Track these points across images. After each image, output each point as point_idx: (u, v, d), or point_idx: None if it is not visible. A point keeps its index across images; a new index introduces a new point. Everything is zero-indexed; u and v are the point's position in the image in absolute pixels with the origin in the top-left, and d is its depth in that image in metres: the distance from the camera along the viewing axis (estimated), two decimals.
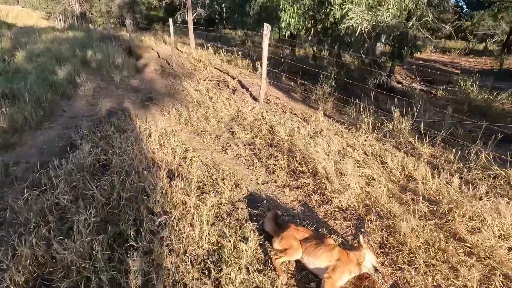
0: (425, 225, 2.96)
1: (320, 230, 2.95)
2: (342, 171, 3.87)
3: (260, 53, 7.34)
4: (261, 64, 7.04)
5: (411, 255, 2.66)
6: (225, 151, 4.87)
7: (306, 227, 2.88)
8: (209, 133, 5.53)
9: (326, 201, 3.50)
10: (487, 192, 3.60)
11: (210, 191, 3.63)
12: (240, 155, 4.74)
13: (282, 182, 3.96)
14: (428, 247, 2.72)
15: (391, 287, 2.41)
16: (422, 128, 4.96)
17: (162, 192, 3.34)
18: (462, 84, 8.99)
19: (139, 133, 5.04)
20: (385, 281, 2.43)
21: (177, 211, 3.05)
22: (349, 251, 2.53)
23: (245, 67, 10.56)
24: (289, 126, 5.33)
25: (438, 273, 2.47)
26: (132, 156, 4.06)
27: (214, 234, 2.82)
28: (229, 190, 3.69)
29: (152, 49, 13.89)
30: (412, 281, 2.44)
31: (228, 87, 8.14)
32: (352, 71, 9.08)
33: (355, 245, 2.71)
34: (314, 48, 10.28)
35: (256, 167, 4.35)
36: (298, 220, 3.22)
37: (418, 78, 10.44)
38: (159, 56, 12.56)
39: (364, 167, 4.10)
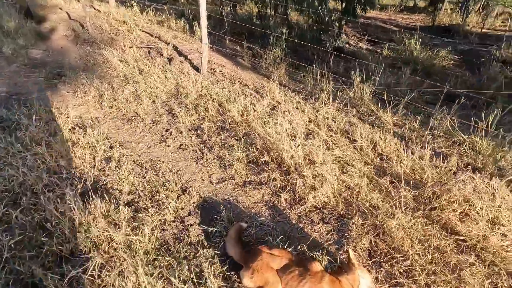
0: (414, 218, 2.55)
1: (299, 248, 2.34)
2: (311, 158, 3.25)
3: (197, 12, 6.03)
4: (199, 26, 5.80)
5: (407, 262, 2.23)
6: (165, 141, 3.85)
7: (282, 248, 2.22)
8: (142, 118, 4.38)
9: (298, 199, 2.87)
10: (457, 164, 3.37)
11: (147, 207, 2.71)
12: (185, 145, 3.79)
13: (241, 178, 3.20)
14: (423, 248, 2.32)
15: None
16: (385, 96, 4.56)
17: (73, 225, 2.31)
18: (406, 42, 8.93)
19: (40, 129, 3.67)
20: None
21: (99, 254, 2.11)
22: (340, 277, 1.96)
23: (180, 30, 8.96)
24: (241, 102, 4.46)
25: (440, 284, 2.08)
26: (24, 169, 2.82)
27: (156, 285, 1.98)
28: (175, 200, 2.82)
29: (61, 9, 11.01)
30: None
31: (162, 55, 6.72)
32: (304, 31, 8.30)
33: (345, 262, 2.17)
34: (258, 4, 9.11)
35: (207, 160, 3.48)
36: (269, 232, 2.56)
37: (366, 37, 10.16)
38: (70, 18, 9.97)
39: (333, 148, 3.55)
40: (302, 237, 2.51)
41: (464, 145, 3.79)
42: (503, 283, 2.06)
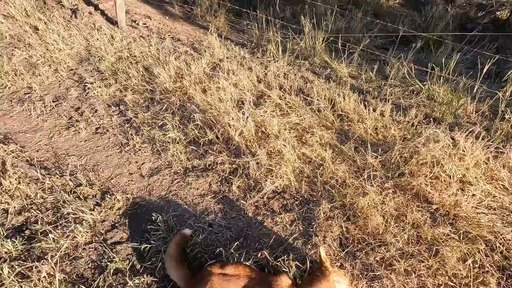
0: (384, 191, 2.24)
1: (260, 255, 1.88)
2: (265, 129, 2.69)
3: None
4: None
5: (383, 248, 1.93)
6: (75, 126, 2.93)
7: (237, 263, 1.73)
8: (40, 96, 3.29)
9: (254, 185, 2.36)
10: (416, 116, 3.12)
11: (48, 230, 1.95)
12: (104, 128, 2.93)
13: (181, 165, 2.55)
14: (398, 227, 2.03)
15: None
16: (339, 44, 4.03)
17: None
18: None
19: None
20: None
21: None
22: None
23: None
24: (173, 64, 3.56)
25: (421, 267, 1.83)
26: None
27: None
28: (91, 212, 2.10)
29: None
30: None
31: (63, 5, 5.15)
32: None
33: (317, 264, 1.79)
34: None
35: (134, 146, 2.72)
36: (221, 234, 2.04)
37: None
38: None
39: (288, 113, 3.01)
40: (262, 235, 2.05)
41: (421, 94, 3.55)
42: (481, 255, 1.89)
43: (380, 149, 2.65)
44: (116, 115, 3.10)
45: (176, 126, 2.80)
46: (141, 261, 1.87)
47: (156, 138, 2.75)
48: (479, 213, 2.16)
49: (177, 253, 1.80)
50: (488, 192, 2.30)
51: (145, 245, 1.92)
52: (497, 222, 2.07)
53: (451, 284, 1.77)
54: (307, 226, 2.10)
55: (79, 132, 2.85)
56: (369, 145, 2.52)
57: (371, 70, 3.79)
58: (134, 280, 1.73)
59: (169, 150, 2.63)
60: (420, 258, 1.87)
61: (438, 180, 2.34)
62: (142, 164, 2.59)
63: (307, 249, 1.95)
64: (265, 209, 2.21)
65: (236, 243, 1.92)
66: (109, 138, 2.82)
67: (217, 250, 1.89)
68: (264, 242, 2.00)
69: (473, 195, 2.26)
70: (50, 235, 1.91)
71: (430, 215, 2.14)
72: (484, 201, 2.25)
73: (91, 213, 2.08)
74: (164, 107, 3.02)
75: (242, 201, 2.26)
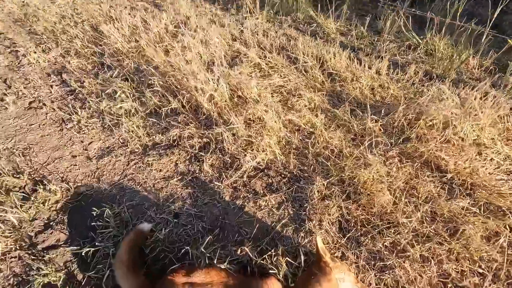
0: (388, 161, 1.85)
1: (240, 252, 1.45)
2: (241, 93, 2.19)
3: None
4: None
5: (393, 230, 1.55)
6: (1, 100, 2.31)
7: (209, 268, 1.29)
8: None
9: (230, 162, 1.90)
10: (415, 73, 2.71)
11: None
12: (40, 101, 2.33)
13: (139, 142, 2.04)
14: (409, 203, 1.66)
15: None
16: None
17: None
18: None
19: None
20: None
21: None
22: None
23: None
24: (127, 20, 2.91)
25: (440, 252, 1.48)
26: None
27: None
28: (16, 207, 1.58)
29: None
30: (410, 283, 1.40)
31: None
32: None
33: (314, 258, 1.40)
34: None
35: (79, 122, 2.16)
36: (190, 226, 1.60)
37: None
38: None
39: (270, 74, 2.51)
40: (243, 223, 1.62)
41: (418, 50, 3.11)
42: (508, 229, 1.56)
43: (379, 111, 2.24)
44: (57, 85, 2.48)
45: (131, 94, 2.24)
46: (83, 270, 1.41)
47: (106, 110, 2.20)
48: (498, 180, 1.82)
49: (130, 256, 1.35)
50: (507, 155, 1.96)
51: (89, 248, 1.45)
52: None
53: (479, 270, 1.43)
54: (298, 208, 1.69)
55: (6, 108, 2.24)
56: (368, 106, 2.09)
57: (361, 25, 3.29)
58: None
59: (122, 125, 2.10)
60: (439, 240, 1.51)
61: (449, 144, 1.97)
62: (89, 144, 2.06)
63: (299, 238, 1.55)
64: (246, 191, 1.77)
65: (209, 237, 1.49)
66: (47, 113, 2.24)
67: (183, 249, 1.45)
68: (246, 233, 1.58)
69: (491, 159, 1.92)
70: None
71: (445, 186, 1.78)
72: (502, 165, 1.91)
73: (14, 211, 1.57)
74: (116, 72, 2.43)
75: (216, 183, 1.80)
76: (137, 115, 2.16)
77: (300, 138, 2.03)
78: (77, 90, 2.42)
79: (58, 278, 1.35)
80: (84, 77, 2.50)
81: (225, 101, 2.05)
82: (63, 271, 1.39)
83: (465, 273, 1.43)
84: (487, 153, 1.94)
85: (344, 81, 2.53)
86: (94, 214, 1.62)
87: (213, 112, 2.01)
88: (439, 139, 1.96)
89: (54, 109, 2.27)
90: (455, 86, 2.58)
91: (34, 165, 1.89)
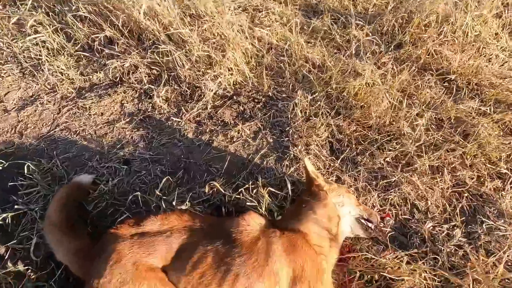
0: (380, 69, 1.52)
1: (208, 191, 1.13)
2: (196, 9, 1.72)
3: None
4: None
5: (395, 143, 1.28)
6: None
7: (169, 213, 0.96)
8: None
9: (190, 92, 1.51)
10: None
11: None
12: None
13: (71, 86, 1.60)
14: (410, 110, 1.37)
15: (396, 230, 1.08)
16: None
17: None
18: None
19: None
20: (382, 231, 1.04)
21: None
22: (303, 224, 0.91)
23: None
24: None
25: (452, 159, 1.23)
26: None
27: None
28: None
29: None
30: (420, 199, 1.16)
31: None
32: None
33: (303, 183, 1.11)
34: None
35: None
36: (145, 173, 1.26)
37: None
38: None
39: None
40: (212, 160, 1.29)
41: None
42: None
43: (364, 21, 1.87)
44: None
45: (52, 27, 1.73)
46: (4, 240, 1.06)
47: (23, 53, 1.70)
48: (504, 78, 1.56)
49: (63, 215, 1.00)
50: None
51: (8, 213, 1.08)
52: None
53: (499, 173, 1.20)
54: (279, 135, 1.37)
55: None
56: (352, 11, 1.71)
57: None
58: None
59: (44, 65, 1.62)
60: (449, 147, 1.26)
61: (448, 43, 1.67)
62: (6, 94, 1.59)
63: (283, 168, 1.25)
64: (213, 124, 1.42)
65: (166, 177, 1.15)
66: None
67: (138, 196, 1.11)
68: (216, 170, 1.26)
69: (496, 56, 1.64)
70: None
71: (447, 89, 1.50)
72: (509, 61, 1.65)
73: None
74: (29, 4, 1.87)
75: (175, 119, 1.43)
76: (63, 53, 1.68)
77: (274, 57, 1.65)
78: None
79: None
80: None
81: (172, 17, 1.59)
82: None
83: (483, 179, 1.20)
84: (490, 50, 1.65)
85: None
86: (18, 174, 1.24)
87: (159, 33, 1.56)
88: (437, 39, 1.64)
89: None
90: None
91: None
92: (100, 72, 1.63)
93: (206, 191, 1.09)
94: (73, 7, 1.74)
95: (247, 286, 0.78)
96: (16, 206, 1.11)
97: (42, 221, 1.06)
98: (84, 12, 1.69)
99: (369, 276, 0.95)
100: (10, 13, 1.86)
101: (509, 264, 1.00)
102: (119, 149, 1.36)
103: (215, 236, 0.87)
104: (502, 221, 1.10)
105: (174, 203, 1.05)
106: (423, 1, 1.68)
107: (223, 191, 1.10)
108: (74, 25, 1.70)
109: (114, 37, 1.66)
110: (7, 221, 1.09)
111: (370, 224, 1.00)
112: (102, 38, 1.65)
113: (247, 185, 1.11)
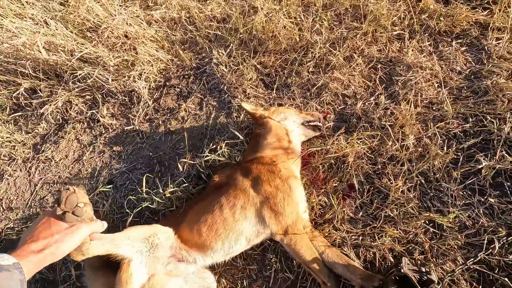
0: None
1: (182, 168, 1.30)
2: (93, 22, 1.73)
3: None
4: None
5: (310, 54, 1.44)
6: None
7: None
8: None
9: (128, 99, 1.60)
10: None
11: None
12: None
13: (25, 146, 1.67)
14: (312, 21, 1.51)
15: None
16: None
17: None
18: None
19: None
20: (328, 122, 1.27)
21: None
22: (259, 156, 1.12)
23: None
24: None
25: (358, 44, 1.41)
26: None
27: None
28: None
29: None
30: (346, 88, 1.36)
31: None
32: None
33: (252, 122, 1.30)
34: None
35: None
36: (127, 182, 1.42)
37: None
38: None
39: None
40: (177, 144, 1.46)
41: None
42: None
43: None
44: None
45: None
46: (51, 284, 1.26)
47: None
48: None
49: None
50: None
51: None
52: None
53: (396, 35, 1.40)
54: (218, 95, 1.52)
55: None
56: None
57: None
58: None
59: None
60: (352, 35, 1.43)
61: None
62: None
63: (234, 119, 1.43)
64: (162, 114, 1.55)
65: (145, 175, 1.32)
66: None
67: (131, 200, 1.30)
68: (184, 151, 1.43)
69: None
70: None
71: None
72: None
73: None
74: None
75: (128, 128, 1.56)
76: None
77: (182, 30, 1.72)
78: None
79: None
80: None
81: (74, 40, 1.61)
82: None
83: (387, 46, 1.41)
84: None
85: None
86: None
87: (70, 61, 1.60)
88: None
89: None
90: None
91: None
92: (42, 123, 1.69)
93: (181, 169, 1.27)
94: None
95: (231, 206, 0.99)
96: None
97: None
98: None
99: (327, 163, 1.19)
100: None
101: (424, 102, 1.25)
102: (98, 176, 1.50)
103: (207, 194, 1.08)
104: (411, 72, 1.33)
105: (161, 190, 1.23)
106: None
107: (193, 162, 1.29)
108: None
109: (34, 86, 1.69)
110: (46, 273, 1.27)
111: (317, 123, 1.22)
112: (23, 92, 1.67)
113: (209, 148, 1.29)
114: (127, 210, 1.27)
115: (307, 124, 1.23)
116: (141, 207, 1.22)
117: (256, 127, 1.24)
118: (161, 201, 1.23)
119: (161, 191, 1.22)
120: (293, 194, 1.02)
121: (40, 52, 1.51)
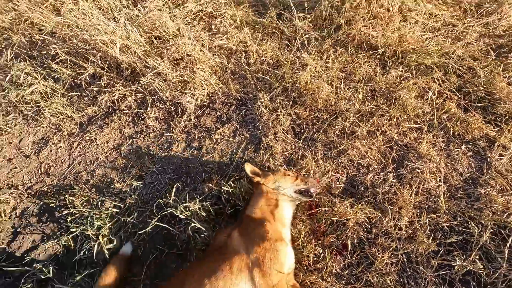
0: (324, 55, 1.85)
1: (208, 190, 1.50)
2: (160, 33, 1.96)
3: None
4: None
5: (340, 118, 1.65)
6: None
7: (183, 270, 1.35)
8: None
9: (173, 108, 1.82)
10: None
11: None
12: None
13: (72, 122, 1.88)
14: (349, 88, 1.73)
15: (346, 182, 1.50)
16: None
17: None
18: None
19: None
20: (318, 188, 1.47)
21: None
22: (251, 216, 1.29)
23: None
24: None
25: (383, 122, 1.63)
26: None
27: None
28: None
29: None
30: (362, 158, 1.57)
31: None
32: None
33: (271, 169, 1.48)
34: None
35: None
36: (156, 182, 1.62)
37: None
38: None
39: (184, 1, 2.23)
40: (206, 162, 1.66)
41: None
42: (438, 83, 1.71)
43: (306, 7, 2.13)
44: None
45: (37, 73, 1.96)
46: (72, 256, 1.45)
47: (18, 100, 1.94)
48: (426, 40, 1.91)
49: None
50: (430, 13, 2.02)
51: (66, 237, 1.46)
52: (444, 43, 1.86)
53: (416, 126, 1.62)
54: (252, 129, 1.73)
55: None
56: (292, 5, 1.98)
57: None
58: (70, 281, 1.34)
59: (44, 110, 1.89)
60: (380, 113, 1.65)
61: (377, 19, 1.97)
62: (20, 141, 1.88)
63: (260, 156, 1.63)
64: (199, 131, 1.76)
65: (176, 184, 1.53)
66: None
67: (157, 202, 1.50)
68: (211, 169, 1.63)
69: (416, 22, 1.97)
70: None
71: (379, 62, 1.85)
72: (427, 23, 1.98)
73: None
74: (9, 54, 2.06)
75: (168, 134, 1.77)
76: (56, 95, 1.94)
77: (235, 61, 1.94)
78: None
79: (49, 272, 1.38)
80: None
81: (144, 46, 1.85)
82: (51, 264, 1.42)
83: (406, 133, 1.61)
84: (412, 17, 1.98)
85: None
86: (59, 206, 1.59)
87: (136, 64, 1.83)
88: (367, 17, 1.95)
89: None
90: None
91: None
92: (93, 106, 1.91)
93: (206, 191, 1.47)
94: (51, 52, 1.96)
95: (229, 269, 1.10)
96: (71, 229, 1.48)
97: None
98: (62, 55, 1.92)
99: (330, 220, 1.39)
100: None
101: (424, 190, 1.45)
102: (130, 168, 1.70)
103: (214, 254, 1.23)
104: (420, 161, 1.53)
105: (188, 200, 1.43)
106: None
107: (214, 187, 1.48)
108: (58, 69, 1.93)
109: (97, 73, 1.91)
110: (68, 241, 1.47)
111: (312, 190, 1.37)
112: (86, 77, 1.90)
113: (233, 178, 1.49)
114: (154, 211, 1.47)
115: (299, 191, 1.39)
116: (166, 211, 1.42)
117: (254, 186, 1.42)
118: (184, 211, 1.42)
119: (187, 204, 1.42)
120: (279, 256, 1.15)
121: (115, 51, 1.73)
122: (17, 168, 1.78)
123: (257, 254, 1.13)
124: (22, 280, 1.37)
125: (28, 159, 1.81)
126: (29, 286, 1.35)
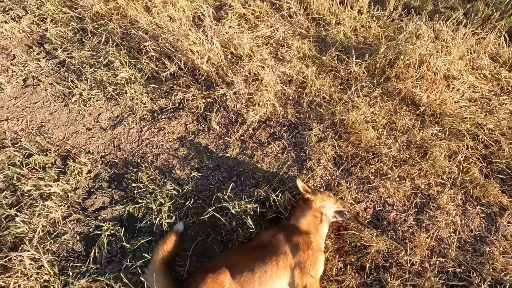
0: (372, 101, 2.13)
1: (257, 194, 1.77)
2: (235, 50, 2.27)
3: None
4: None
5: (377, 159, 1.92)
6: None
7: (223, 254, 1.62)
8: None
9: (235, 118, 2.12)
10: (395, 8, 2.82)
11: (14, 213, 1.68)
12: (34, 77, 2.34)
13: (145, 108, 2.19)
14: (389, 135, 2.00)
15: (373, 215, 1.76)
16: None
17: None
18: None
19: None
20: (361, 214, 1.73)
21: None
22: (298, 226, 1.55)
23: None
24: None
25: (413, 171, 1.88)
26: None
27: None
28: (57, 180, 1.81)
29: None
30: (390, 197, 1.82)
31: None
32: None
33: (303, 196, 1.73)
34: None
35: (81, 94, 2.24)
36: (213, 182, 1.90)
37: None
38: None
39: (256, 24, 2.55)
40: (255, 169, 1.94)
41: None
42: (467, 149, 1.96)
43: (362, 54, 2.43)
44: (44, 58, 2.45)
45: (126, 62, 2.28)
46: (133, 222, 1.73)
47: (105, 80, 2.26)
48: (462, 107, 2.17)
49: (165, 262, 1.50)
50: (470, 84, 2.28)
51: (133, 206, 1.75)
52: (478, 113, 2.11)
53: (441, 181, 1.87)
54: (299, 151, 2.00)
55: (2, 89, 2.25)
56: (352, 50, 2.27)
57: None
58: (132, 242, 1.62)
59: (126, 93, 2.20)
60: (412, 163, 1.91)
61: (424, 79, 2.25)
62: (99, 115, 2.19)
63: (303, 175, 1.90)
64: (253, 142, 2.05)
65: (231, 183, 1.80)
66: (46, 90, 2.28)
67: (214, 195, 1.77)
68: (259, 176, 1.90)
69: (457, 89, 2.24)
70: (17, 218, 1.65)
71: (418, 118, 2.12)
72: (467, 93, 2.24)
73: (57, 184, 1.79)
74: (103, 39, 2.40)
75: (226, 138, 2.06)
76: (137, 82, 2.25)
77: (294, 88, 2.23)
78: (66, 61, 2.41)
79: (117, 231, 1.66)
80: (70, 46, 2.46)
81: (221, 60, 2.15)
82: (118, 226, 1.71)
83: (431, 185, 1.87)
84: (455, 84, 2.24)
85: (328, 25, 2.63)
86: (127, 178, 1.88)
87: (212, 73, 2.14)
88: (415, 76, 2.23)
89: (51, 84, 2.31)
90: (431, 18, 2.74)
91: (55, 142, 2.04)
92: (166, 99, 2.21)
93: (256, 195, 1.75)
94: (141, 46, 2.28)
95: (275, 265, 1.36)
96: (138, 200, 1.76)
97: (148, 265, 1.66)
98: (151, 52, 2.24)
99: (354, 243, 1.64)
100: (87, 47, 2.40)
101: (437, 237, 1.70)
102: (190, 160, 1.99)
103: (253, 251, 1.48)
104: (439, 211, 1.78)
105: (237, 199, 1.70)
106: (407, 46, 2.23)
107: (264, 194, 1.76)
108: (144, 61, 2.25)
109: (175, 72, 2.22)
110: (133, 209, 1.75)
111: (345, 212, 1.65)
112: (168, 73, 2.21)
113: (279, 189, 1.76)
114: (212, 202, 1.74)
115: (337, 211, 1.66)
116: (221, 204, 1.69)
117: (301, 199, 1.68)
118: (235, 207, 1.69)
119: (240, 201, 1.69)
120: (317, 263, 1.41)
121: (201, 61, 2.04)
122: (94, 137, 2.09)
123: (300, 258, 1.39)
124: (98, 232, 1.66)
125: (104, 131, 2.12)
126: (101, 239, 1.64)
